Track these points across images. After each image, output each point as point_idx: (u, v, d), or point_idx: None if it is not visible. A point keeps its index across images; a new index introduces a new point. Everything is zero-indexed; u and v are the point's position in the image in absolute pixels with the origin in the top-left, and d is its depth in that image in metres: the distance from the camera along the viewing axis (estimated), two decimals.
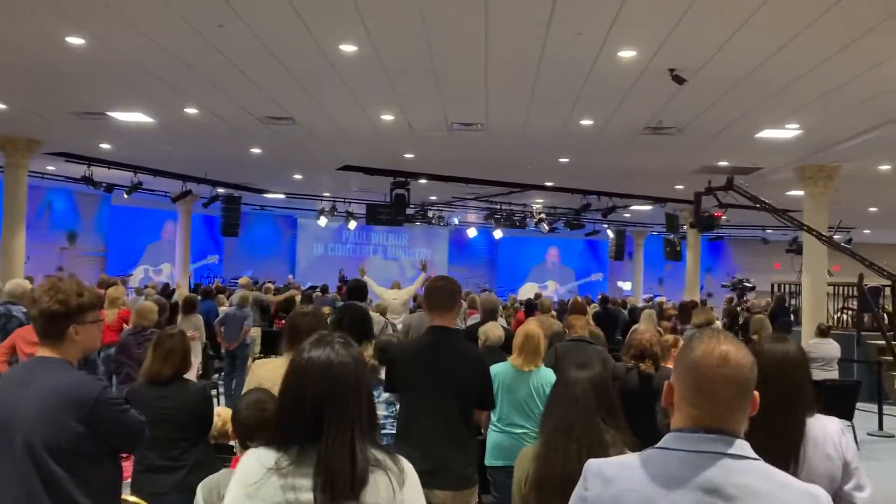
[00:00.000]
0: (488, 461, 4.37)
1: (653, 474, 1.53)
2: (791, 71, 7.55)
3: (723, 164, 13.00)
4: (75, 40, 7.45)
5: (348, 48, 7.46)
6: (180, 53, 7.79)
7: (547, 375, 4.42)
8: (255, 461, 1.75)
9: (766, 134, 10.47)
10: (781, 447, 2.26)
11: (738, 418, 1.55)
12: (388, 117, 10.48)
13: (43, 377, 2.48)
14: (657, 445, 1.59)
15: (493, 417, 4.39)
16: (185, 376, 4.13)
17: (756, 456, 1.53)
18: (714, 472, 1.48)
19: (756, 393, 1.57)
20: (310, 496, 1.69)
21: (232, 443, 3.87)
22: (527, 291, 26.58)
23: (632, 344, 4.38)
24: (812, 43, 6.68)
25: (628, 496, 1.53)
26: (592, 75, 8.04)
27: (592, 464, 1.64)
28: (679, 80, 7.72)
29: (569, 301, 12.73)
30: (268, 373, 3.37)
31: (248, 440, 2.87)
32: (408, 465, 1.80)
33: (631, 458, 1.61)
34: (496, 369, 4.34)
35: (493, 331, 5.33)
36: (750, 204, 11.48)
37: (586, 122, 10.35)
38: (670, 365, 5.04)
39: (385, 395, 4.09)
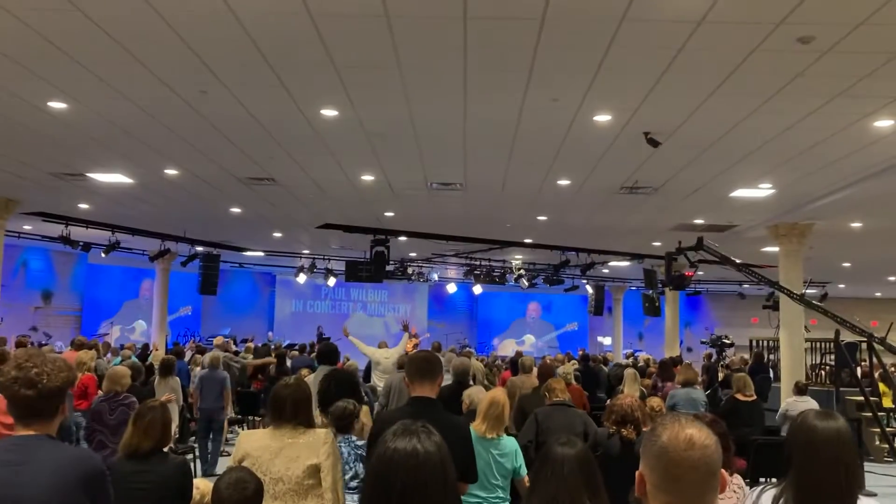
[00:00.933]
0: None
1: None
2: (762, 133, 7.75)
3: (698, 221, 13.21)
4: (57, 105, 7.51)
5: (330, 113, 7.56)
6: (162, 117, 7.86)
7: (509, 445, 4.41)
8: None
9: (740, 193, 10.68)
10: None
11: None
12: (368, 178, 10.57)
13: (41, 456, 2.42)
14: None
15: None
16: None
17: None
18: None
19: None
20: None
21: None
22: (505, 347, 26.52)
23: (613, 409, 4.38)
24: (782, 107, 6.88)
25: None
26: (569, 138, 8.20)
27: None
28: (654, 143, 7.89)
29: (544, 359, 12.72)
30: (255, 442, 3.35)
31: None
32: None
33: None
34: None
35: (478, 394, 5.31)
36: (720, 262, 11.70)
37: (563, 182, 10.51)
38: None
39: (359, 466, 4.05)
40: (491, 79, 6.50)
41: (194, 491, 3.84)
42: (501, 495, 4.40)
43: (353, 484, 4.15)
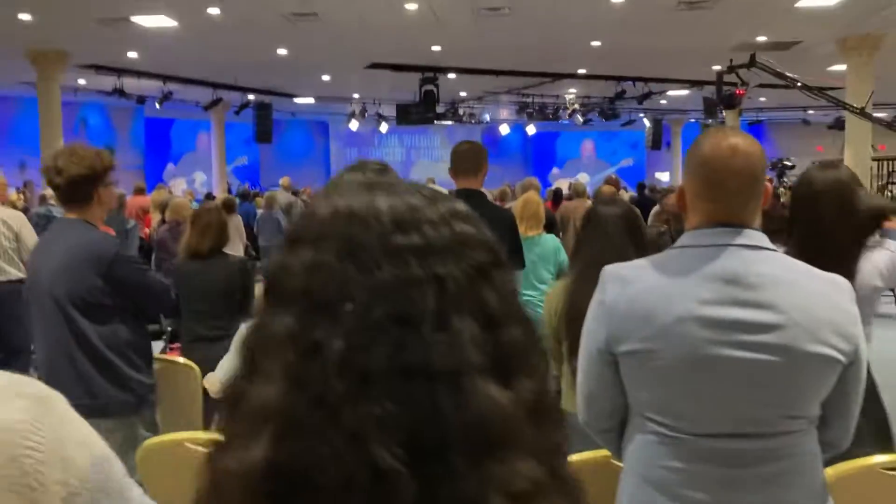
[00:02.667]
0: None
1: (671, 270, 1.55)
2: None
3: (761, 39, 12.54)
4: None
5: None
6: None
7: (551, 241, 4.45)
8: None
9: (807, 2, 10.02)
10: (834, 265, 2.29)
11: (752, 209, 1.56)
12: (411, 5, 10.23)
13: (67, 236, 2.66)
14: (676, 245, 1.61)
15: None
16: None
17: (774, 247, 1.55)
18: (733, 263, 1.50)
19: (768, 184, 1.58)
20: None
21: None
22: (560, 186, 26.44)
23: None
24: None
25: (647, 295, 1.55)
26: None
27: (609, 268, 1.66)
28: None
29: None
30: None
31: None
32: None
33: (647, 260, 1.64)
34: None
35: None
36: (777, 78, 11.15)
37: (618, 0, 10.00)
38: None
39: None
40: None
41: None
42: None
43: None
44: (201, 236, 4.02)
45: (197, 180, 23.20)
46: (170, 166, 23.02)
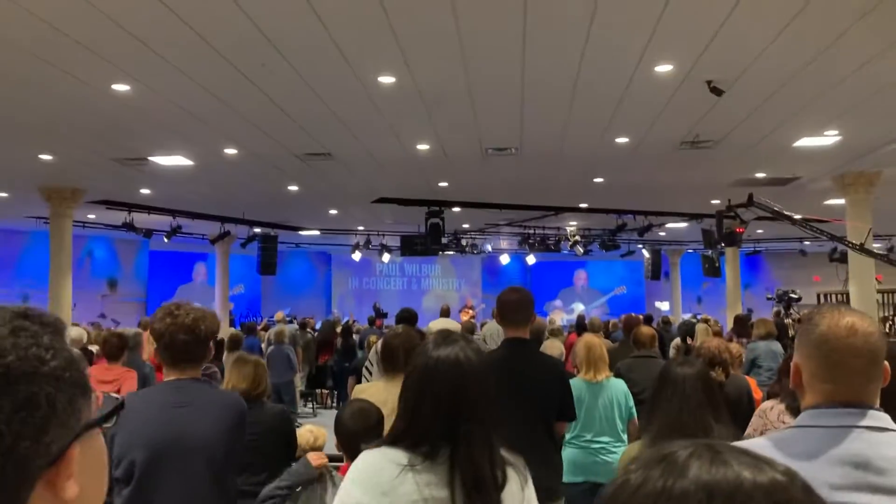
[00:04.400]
0: (566, 478, 4.32)
1: (793, 453, 1.50)
2: (830, 76, 7.51)
3: (760, 175, 12.91)
4: (121, 87, 7.65)
5: (387, 79, 7.57)
6: (223, 94, 7.96)
7: (620, 386, 4.38)
8: (384, 459, 1.75)
9: (805, 142, 10.39)
10: None
11: (872, 389, 1.53)
12: (423, 146, 10.57)
13: (203, 397, 2.64)
14: (795, 424, 1.57)
15: (568, 434, 4.35)
16: None
17: None
18: (860, 446, 1.46)
19: (886, 363, 1.55)
20: (445, 493, 1.69)
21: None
22: (555, 316, 26.47)
23: (700, 352, 4.32)
24: (851, 46, 6.65)
25: None
26: (629, 92, 8.07)
27: None
28: (717, 91, 7.71)
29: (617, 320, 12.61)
30: (371, 398, 3.41)
31: (349, 448, 2.90)
32: (522, 462, 1.81)
33: (763, 440, 1.59)
34: None
35: (553, 348, 5.30)
36: (773, 218, 11.45)
37: (622, 140, 10.36)
38: (738, 373, 4.98)
39: None
40: (550, 35, 6.42)
41: (308, 434, 3.92)
42: (622, 438, 4.40)
43: None
44: (244, 381, 3.94)
45: None
46: (169, 300, 23.01)
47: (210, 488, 2.58)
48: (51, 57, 6.70)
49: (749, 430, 3.16)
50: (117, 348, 6.15)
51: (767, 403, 3.25)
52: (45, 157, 10.75)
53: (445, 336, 1.87)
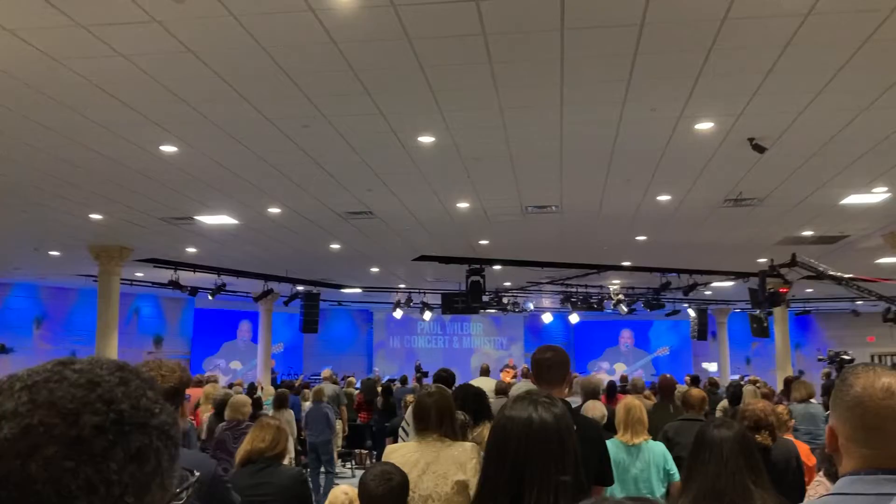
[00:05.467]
0: None
1: None
2: (876, 132, 7.38)
3: (806, 233, 12.66)
4: (169, 149, 7.87)
5: (426, 139, 7.66)
6: (266, 155, 8.13)
7: (658, 449, 4.24)
8: None
9: (852, 199, 10.19)
10: None
11: None
12: (463, 205, 10.63)
13: None
14: (831, 491, 1.49)
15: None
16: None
17: None
18: None
19: None
20: None
21: None
22: (600, 376, 26.01)
23: (745, 415, 4.17)
24: (894, 102, 6.55)
25: None
26: (669, 150, 8.03)
27: None
28: (759, 148, 7.63)
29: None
30: (401, 458, 3.36)
31: None
32: None
33: None
34: None
35: (594, 409, 5.18)
36: (817, 278, 11.22)
37: (664, 198, 10.28)
38: (788, 437, 4.79)
39: None
40: (588, 92, 6.44)
41: (342, 496, 3.86)
42: (661, 502, 4.26)
43: None
44: (262, 443, 3.93)
45: (234, 369, 23.36)
46: (212, 357, 23.26)
47: None
48: (101, 119, 6.93)
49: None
50: None
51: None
52: (95, 216, 11.05)
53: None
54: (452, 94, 6.45)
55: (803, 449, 4.72)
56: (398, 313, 21.60)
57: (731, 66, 5.89)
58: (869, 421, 1.44)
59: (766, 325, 18.04)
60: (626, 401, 4.47)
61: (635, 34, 5.29)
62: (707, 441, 2.59)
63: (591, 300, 19.56)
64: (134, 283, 17.68)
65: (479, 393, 3.92)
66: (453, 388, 8.49)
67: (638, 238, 13.24)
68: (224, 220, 11.41)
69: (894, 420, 1.42)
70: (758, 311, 17.52)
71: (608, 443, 4.39)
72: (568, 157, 8.34)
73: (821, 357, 17.79)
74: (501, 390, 8.82)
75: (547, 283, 18.87)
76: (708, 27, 5.20)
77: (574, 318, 23.41)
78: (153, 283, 17.80)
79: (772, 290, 13.46)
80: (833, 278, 11.00)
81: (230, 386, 15.32)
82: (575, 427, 3.44)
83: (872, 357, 15.76)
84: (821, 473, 3.06)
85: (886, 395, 1.43)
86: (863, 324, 22.20)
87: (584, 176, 9.14)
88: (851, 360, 14.95)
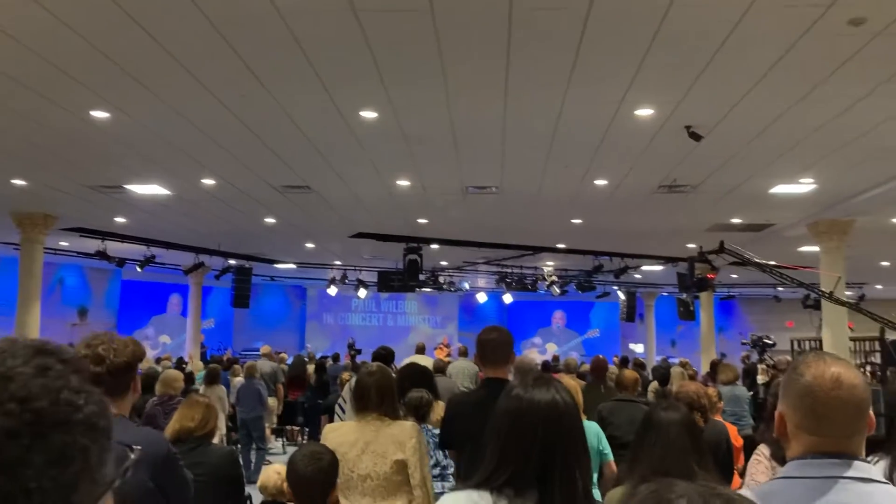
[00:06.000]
0: None
1: None
2: (808, 123, 7.62)
3: (735, 220, 13.04)
4: (100, 114, 7.57)
5: (369, 115, 7.56)
6: (203, 124, 7.91)
7: (592, 429, 4.32)
8: (468, 502, 1.70)
9: (780, 189, 10.52)
10: None
11: (858, 440, 1.50)
12: (404, 183, 10.56)
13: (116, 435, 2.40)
14: (778, 475, 1.53)
15: None
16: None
17: (883, 479, 1.47)
18: (845, 497, 1.42)
19: (871, 412, 1.52)
20: None
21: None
22: (530, 355, 26.48)
23: (679, 396, 4.28)
24: (829, 95, 6.76)
25: None
26: (609, 135, 8.13)
27: None
28: (696, 136, 7.79)
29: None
30: (340, 437, 3.32)
31: (295, 490, 2.81)
32: None
33: (747, 491, 1.55)
34: None
35: None
36: (742, 264, 11.65)
37: (601, 183, 10.42)
38: (717, 418, 4.94)
39: (439, 454, 4.00)
40: (534, 76, 6.45)
41: (275, 476, 3.81)
42: (594, 480, 4.32)
43: (436, 472, 4.11)
44: (191, 421, 3.84)
45: (160, 343, 22.87)
46: (141, 329, 22.72)
47: None
48: (28, 80, 6.61)
49: (759, 476, 3.11)
50: None
51: (764, 448, 3.21)
52: (18, 181, 10.59)
53: (536, 378, 1.84)
54: (397, 71, 6.37)
55: (732, 430, 4.89)
56: (333, 290, 21.42)
57: (674, 56, 5.98)
58: (818, 410, 1.49)
59: (692, 308, 18.55)
60: (563, 381, 4.51)
61: (582, 17, 5.31)
62: (654, 423, 2.65)
63: (526, 281, 19.77)
64: (58, 252, 17.03)
65: (426, 372, 3.90)
66: (395, 366, 8.51)
67: (574, 221, 13.41)
68: (156, 190, 11.08)
69: (841, 409, 1.47)
70: (685, 295, 18.01)
71: None
72: (510, 139, 8.36)
73: (744, 341, 18.44)
74: (439, 368, 8.86)
75: (483, 263, 19.00)
76: (653, 15, 5.26)
77: (508, 299, 23.65)
78: (79, 252, 17.20)
79: (700, 276, 13.86)
80: (758, 265, 11.39)
81: (158, 360, 14.99)
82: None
83: (792, 342, 16.37)
84: (759, 454, 3.16)
85: (835, 386, 1.48)
86: (783, 309, 23.07)
87: (526, 158, 9.19)
88: (774, 345, 15.56)
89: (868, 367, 13.89)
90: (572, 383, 4.42)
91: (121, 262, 16.57)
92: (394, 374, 4.71)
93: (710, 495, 0.62)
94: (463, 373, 9.88)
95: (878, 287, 23.25)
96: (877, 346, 13.26)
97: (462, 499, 1.72)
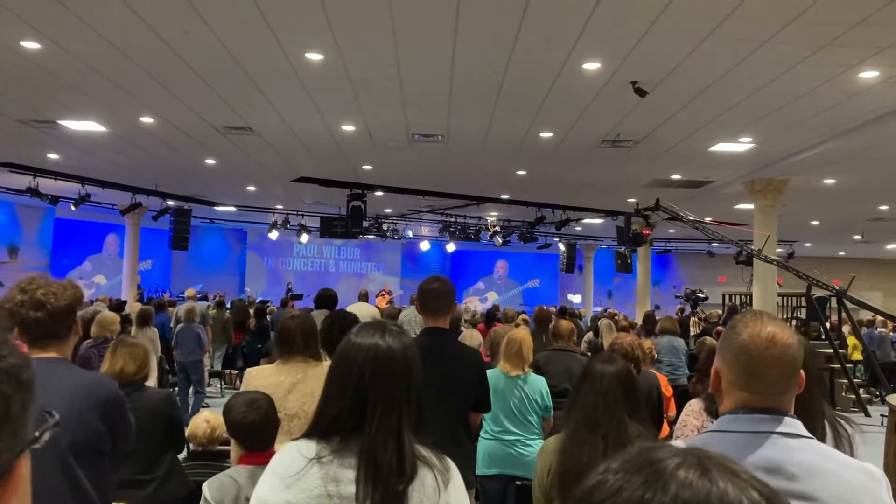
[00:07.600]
0: (479, 470, 4.31)
1: None
2: (749, 83, 7.76)
3: (675, 176, 13.29)
4: (31, 45, 7.24)
5: (314, 56, 7.41)
6: (141, 59, 7.63)
7: (538, 382, 4.42)
8: (295, 452, 1.67)
9: (720, 147, 10.74)
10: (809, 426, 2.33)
11: (788, 398, 1.56)
12: (349, 127, 10.43)
13: (59, 378, 2.35)
14: (710, 429, 1.60)
15: (484, 425, 4.37)
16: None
17: (809, 434, 1.54)
18: (772, 451, 1.49)
19: (802, 371, 1.59)
20: (352, 488, 1.62)
21: (221, 448, 3.77)
22: (469, 304, 26.79)
23: (614, 348, 4.40)
24: (770, 57, 6.89)
25: None
26: (556, 86, 8.15)
27: None
28: (641, 92, 7.88)
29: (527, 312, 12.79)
30: (265, 379, 3.32)
31: (241, 440, 2.82)
32: (452, 465, 1.74)
33: (684, 443, 1.61)
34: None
35: (472, 338, 5.31)
36: (673, 219, 12.00)
37: (546, 135, 10.47)
38: (650, 369, 5.11)
39: None
40: (483, 20, 6.40)
41: (204, 425, 3.79)
42: (536, 431, 4.43)
43: None
44: (124, 364, 3.78)
45: (96, 284, 22.35)
46: (75, 269, 22.13)
47: (59, 481, 2.22)
48: None
49: (686, 430, 3.21)
50: None
51: (696, 403, 3.33)
52: None
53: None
54: (344, 10, 6.24)
55: (663, 380, 5.06)
56: (274, 234, 21.14)
57: (622, 9, 5.99)
58: (752, 368, 1.54)
59: (629, 261, 18.95)
60: (513, 333, 4.60)
61: None
62: (590, 374, 2.73)
63: (469, 230, 19.87)
64: None
65: (353, 319, 3.92)
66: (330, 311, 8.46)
67: (518, 172, 13.48)
68: (91, 126, 10.69)
69: (775, 367, 1.53)
70: (623, 249, 18.38)
71: (489, 372, 4.54)
72: (458, 87, 8.31)
73: (677, 294, 18.96)
74: (391, 316, 8.84)
75: (427, 211, 18.99)
76: None
77: (451, 247, 23.76)
78: (9, 188, 16.56)
79: (636, 231, 14.17)
80: (690, 222, 11.69)
81: (91, 302, 14.67)
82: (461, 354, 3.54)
83: (724, 296, 16.91)
84: (688, 412, 3.28)
85: (770, 345, 1.53)
86: (717, 264, 23.74)
87: (473, 106, 9.15)
88: (706, 299, 16.07)
89: (794, 322, 14.47)
90: (517, 336, 4.50)
91: (54, 199, 16.01)
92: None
93: (703, 456, 0.64)
94: (415, 321, 9.89)
95: (808, 245, 24.10)
96: (803, 301, 13.79)
97: (290, 449, 1.70)
